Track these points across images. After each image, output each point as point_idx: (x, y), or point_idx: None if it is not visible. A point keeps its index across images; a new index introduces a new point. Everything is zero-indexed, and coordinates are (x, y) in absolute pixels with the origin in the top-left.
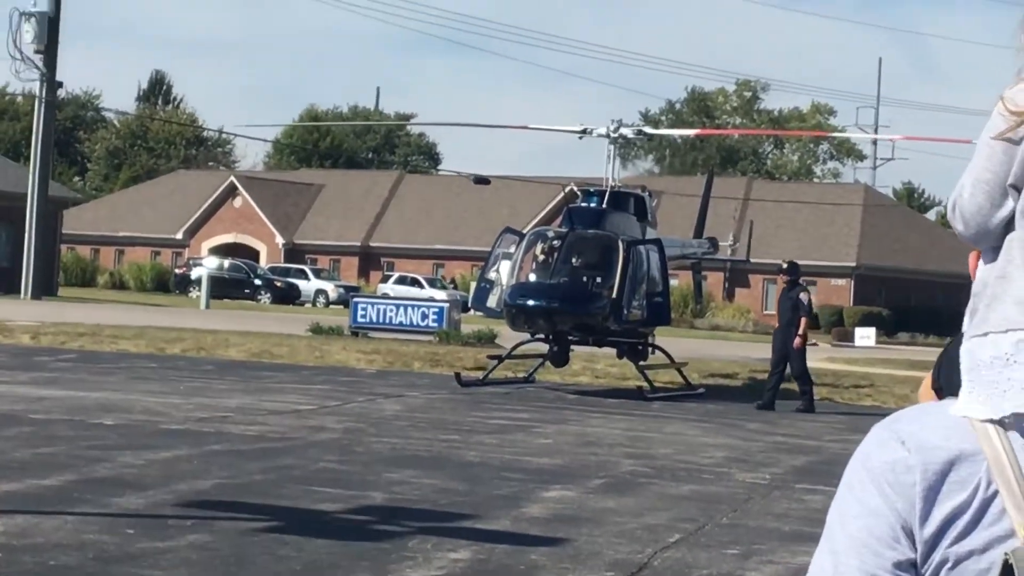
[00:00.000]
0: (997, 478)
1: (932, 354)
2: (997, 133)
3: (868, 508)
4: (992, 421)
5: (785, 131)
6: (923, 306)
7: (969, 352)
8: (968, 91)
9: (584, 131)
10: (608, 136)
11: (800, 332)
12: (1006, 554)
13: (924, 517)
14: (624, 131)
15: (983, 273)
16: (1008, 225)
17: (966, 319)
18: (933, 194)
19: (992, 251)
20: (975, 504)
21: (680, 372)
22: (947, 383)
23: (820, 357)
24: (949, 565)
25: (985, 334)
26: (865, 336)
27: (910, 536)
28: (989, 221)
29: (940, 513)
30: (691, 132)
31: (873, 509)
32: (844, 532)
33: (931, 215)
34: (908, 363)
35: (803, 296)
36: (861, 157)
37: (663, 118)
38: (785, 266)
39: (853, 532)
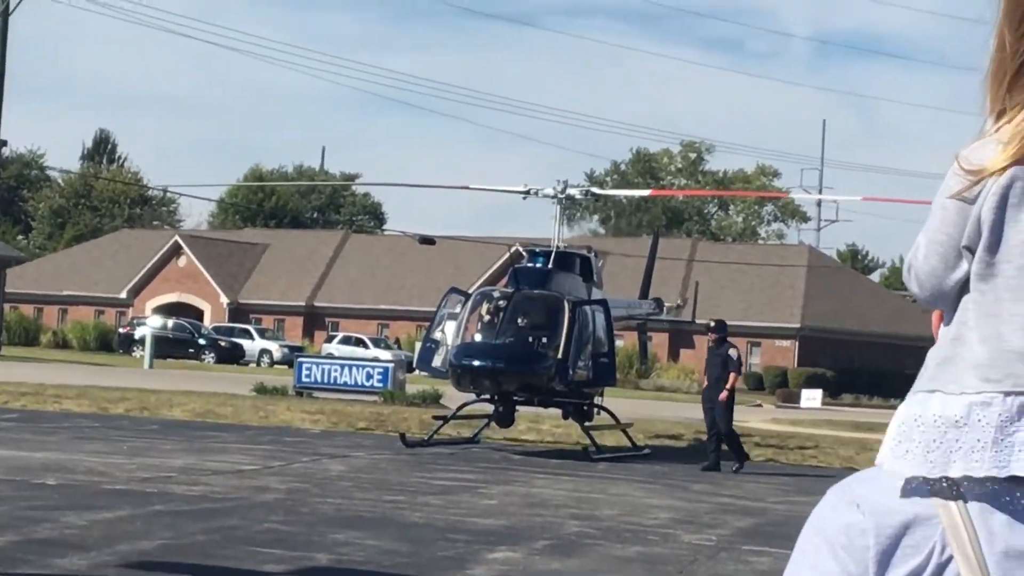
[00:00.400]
0: (953, 543)
1: (877, 416)
2: (951, 193)
3: (822, 572)
4: (943, 483)
5: (735, 192)
6: (867, 367)
7: (909, 408)
8: (911, 153)
9: (528, 192)
10: (555, 197)
11: (728, 386)
12: None
13: None
14: (572, 191)
15: (940, 333)
16: (964, 286)
17: (918, 377)
18: (876, 256)
19: (952, 312)
20: (930, 569)
21: (625, 433)
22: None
23: (765, 418)
24: None
25: (932, 392)
26: (811, 398)
27: None
28: (944, 283)
29: None
30: (643, 193)
31: (826, 573)
32: None
33: (875, 276)
34: (852, 425)
35: (732, 352)
36: (805, 219)
37: (608, 179)
38: (713, 324)
39: None
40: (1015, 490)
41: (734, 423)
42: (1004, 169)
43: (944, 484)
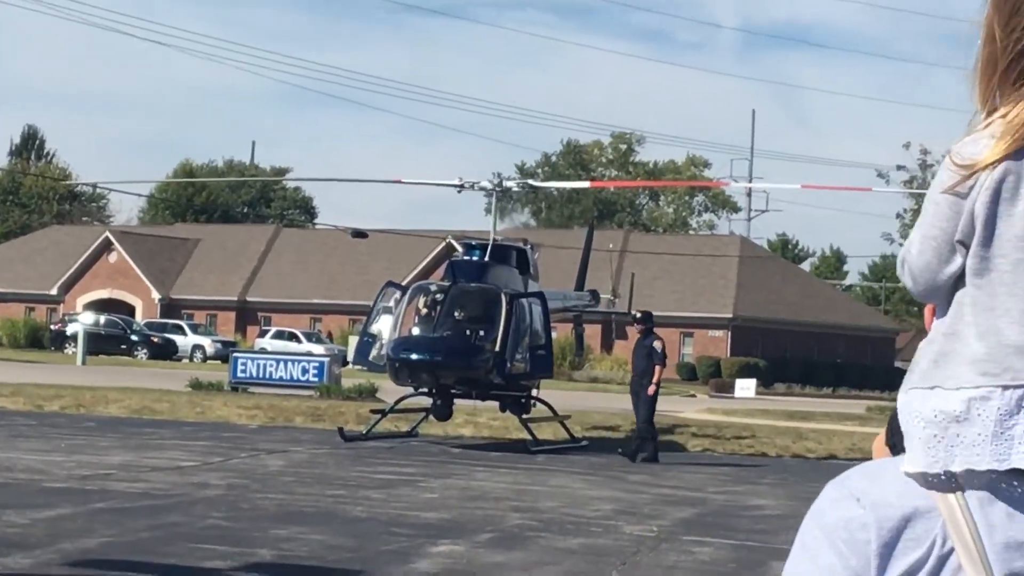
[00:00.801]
0: (953, 535)
1: (810, 404)
2: (944, 188)
3: (822, 567)
4: (943, 476)
5: (672, 182)
6: (799, 357)
7: (908, 404)
8: (838, 141)
9: (463, 185)
10: (491, 190)
11: (655, 380)
12: None
13: (880, 575)
14: (509, 184)
15: (934, 327)
16: (958, 280)
17: (911, 376)
18: (807, 245)
19: (945, 306)
20: (931, 561)
21: (563, 425)
22: (900, 440)
23: (699, 408)
24: None
25: (932, 388)
26: (746, 387)
27: None
28: (937, 277)
29: (895, 571)
30: (582, 184)
31: (827, 567)
32: None
33: (805, 266)
34: (787, 414)
35: (657, 344)
36: (736, 209)
37: (540, 171)
38: (638, 315)
39: None
40: (1013, 481)
41: (656, 415)
42: (996, 163)
43: (943, 477)
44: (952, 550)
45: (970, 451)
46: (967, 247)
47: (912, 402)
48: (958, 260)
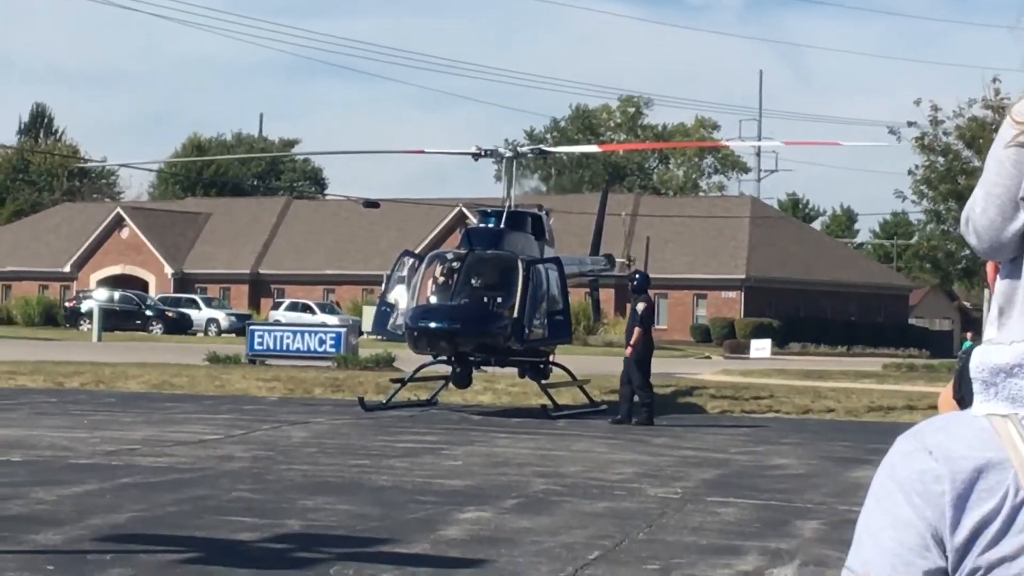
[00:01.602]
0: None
1: (825, 363)
2: (1006, 144)
3: (897, 519)
4: (1015, 424)
5: (678, 144)
6: (812, 316)
7: (985, 355)
8: (848, 100)
9: (480, 153)
10: (510, 157)
11: (631, 342)
12: None
13: (954, 526)
14: (523, 150)
15: (1004, 285)
16: (1022, 238)
17: (989, 328)
18: (817, 204)
19: (1010, 263)
20: (1005, 511)
21: (582, 389)
22: (969, 394)
23: (715, 370)
24: (981, 572)
25: (1010, 343)
26: (761, 348)
27: (940, 545)
28: (1002, 234)
29: (970, 521)
30: (592, 148)
31: (902, 519)
32: (874, 543)
33: (816, 225)
34: (803, 373)
35: (639, 306)
36: (746, 170)
37: (548, 136)
38: (631, 275)
39: (883, 543)
40: None
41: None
42: None
43: (1015, 428)
44: None
45: None
46: None
47: (988, 354)
48: (1022, 217)
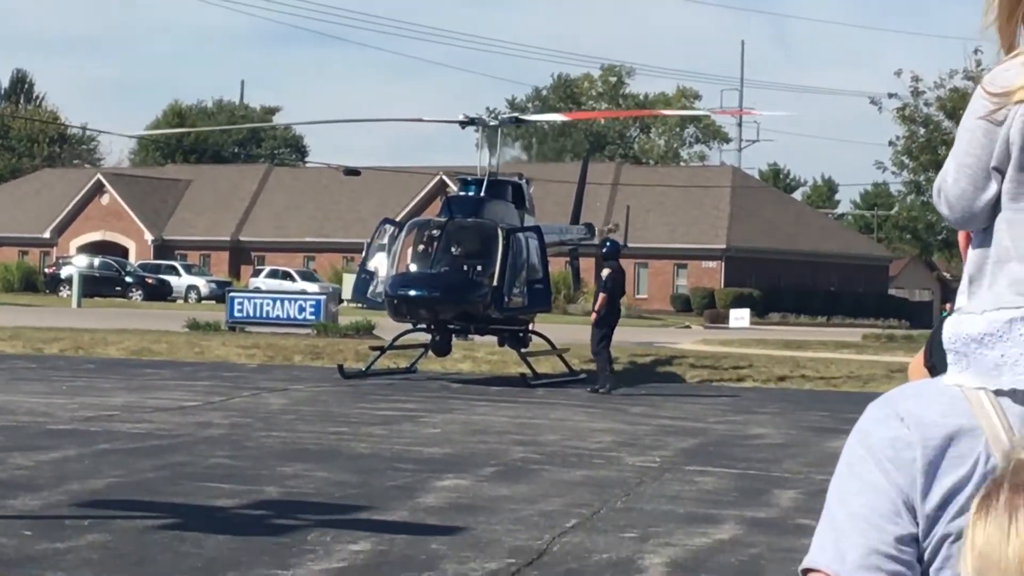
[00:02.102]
0: (996, 452)
1: (805, 333)
2: (978, 116)
3: (869, 484)
4: (986, 392)
5: (649, 112)
6: (793, 286)
7: (956, 325)
8: (830, 70)
9: (470, 120)
10: (491, 125)
11: (595, 307)
12: None
13: (925, 492)
14: (502, 118)
15: (976, 255)
16: (995, 207)
17: (960, 298)
18: (799, 175)
19: (982, 232)
20: (975, 478)
21: (562, 358)
22: (940, 362)
23: (695, 340)
24: (952, 538)
25: (981, 312)
26: (739, 318)
27: (911, 511)
28: (974, 204)
29: (941, 488)
30: (557, 117)
31: (874, 485)
32: (845, 509)
33: (797, 195)
34: (782, 343)
35: (604, 272)
36: (727, 139)
37: (530, 105)
38: (604, 242)
39: (854, 509)
40: None
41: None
42: None
43: (985, 396)
44: (996, 466)
45: (1014, 370)
46: (1003, 173)
47: (961, 323)
48: (993, 187)
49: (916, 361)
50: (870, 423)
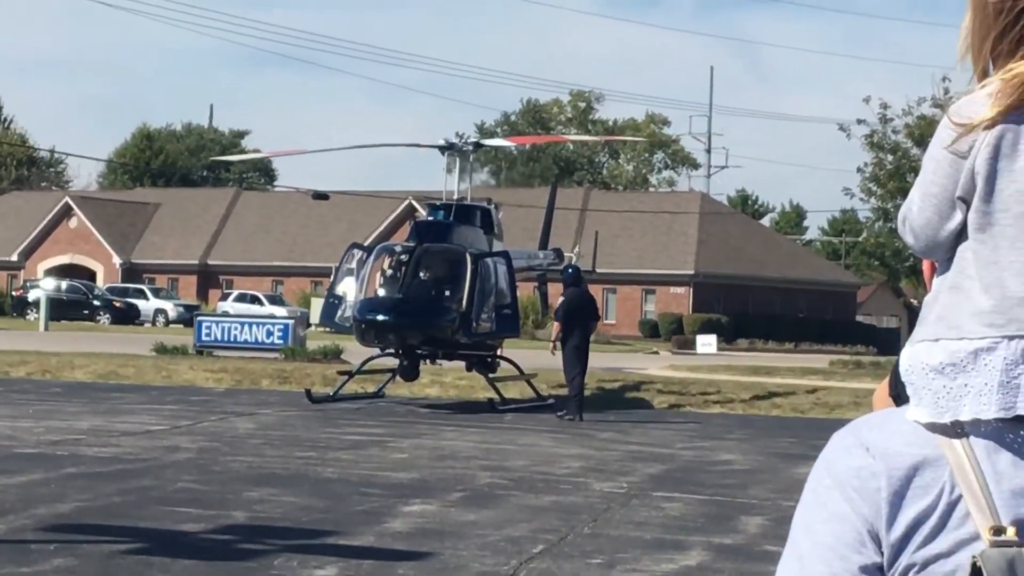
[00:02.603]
0: (960, 482)
1: (773, 360)
2: (944, 146)
3: (833, 514)
4: (949, 425)
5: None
6: (761, 312)
7: (915, 356)
8: (799, 97)
9: (450, 145)
10: (472, 150)
11: (551, 338)
12: (974, 556)
13: (890, 522)
14: (464, 143)
15: (936, 283)
16: (959, 236)
17: (919, 328)
18: (767, 201)
19: (947, 262)
20: (940, 508)
21: (530, 384)
22: (904, 391)
23: (663, 365)
24: (916, 568)
25: (936, 340)
26: (707, 343)
27: (876, 540)
28: (938, 234)
29: (906, 518)
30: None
31: (839, 514)
32: (809, 538)
33: (765, 221)
34: (750, 369)
35: (560, 299)
36: (695, 165)
37: (498, 130)
38: (566, 268)
39: (819, 538)
40: (1020, 430)
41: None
42: (995, 121)
43: (949, 425)
44: (960, 497)
45: (977, 400)
46: (967, 203)
47: (918, 354)
48: (958, 216)
49: (881, 390)
50: (835, 452)
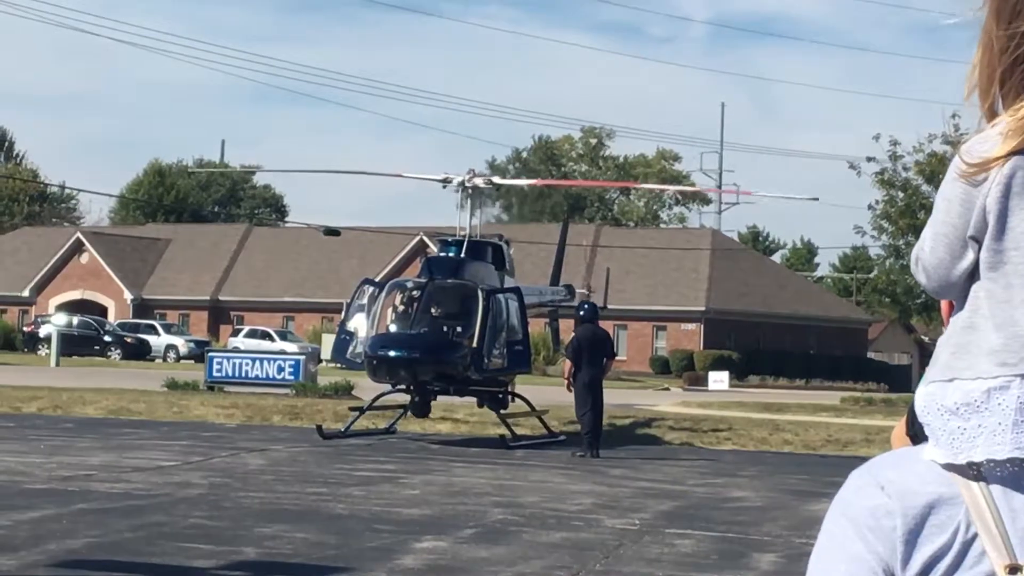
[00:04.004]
0: (976, 521)
1: (784, 396)
2: (956, 185)
3: (849, 554)
4: (965, 465)
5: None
6: (772, 349)
7: (930, 397)
8: (809, 133)
9: (447, 180)
10: (463, 185)
11: (564, 375)
12: None
13: (905, 561)
14: (476, 180)
15: (951, 322)
16: (972, 276)
17: (932, 368)
18: (778, 237)
19: (962, 300)
20: (956, 547)
21: (541, 420)
22: (921, 430)
23: (674, 402)
24: None
25: (951, 380)
26: (719, 380)
27: None
28: (951, 273)
29: (921, 556)
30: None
31: (854, 555)
32: None
33: (776, 258)
34: (761, 406)
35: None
36: (706, 202)
37: (510, 166)
38: (581, 305)
39: None
40: None
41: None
42: (1006, 159)
43: (965, 466)
44: (976, 536)
45: (991, 440)
46: (979, 242)
47: (933, 394)
48: (970, 255)
49: (898, 429)
50: (851, 492)
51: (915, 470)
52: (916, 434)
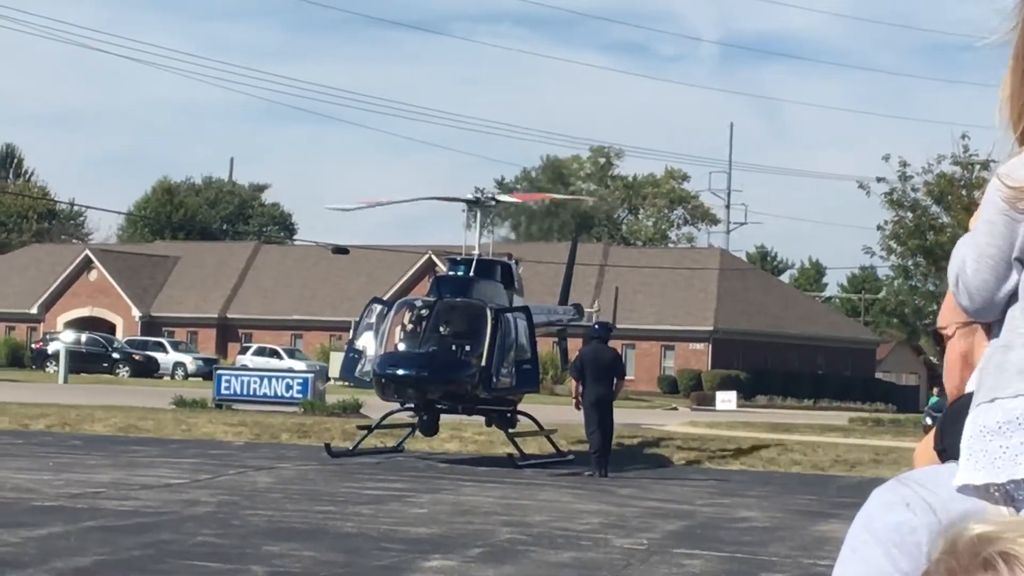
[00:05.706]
0: None
1: (792, 416)
2: (998, 209)
3: (873, 569)
4: (995, 491)
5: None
6: (779, 369)
7: (974, 421)
8: (818, 153)
9: (476, 200)
10: (494, 205)
11: (572, 394)
12: None
13: None
14: (482, 198)
15: (989, 347)
16: (1012, 297)
17: (976, 390)
18: (786, 257)
19: (1000, 323)
20: None
21: (549, 439)
22: (951, 446)
23: (682, 421)
24: None
25: (992, 400)
26: (726, 400)
27: None
28: (995, 295)
29: None
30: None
31: (878, 570)
32: None
33: (785, 278)
34: (769, 425)
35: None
36: (715, 221)
37: (518, 186)
38: (593, 325)
39: None
40: None
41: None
42: None
43: (1007, 487)
44: None
45: None
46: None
47: (977, 418)
48: (1015, 277)
49: (924, 445)
50: (875, 508)
51: (942, 487)
52: (944, 449)
